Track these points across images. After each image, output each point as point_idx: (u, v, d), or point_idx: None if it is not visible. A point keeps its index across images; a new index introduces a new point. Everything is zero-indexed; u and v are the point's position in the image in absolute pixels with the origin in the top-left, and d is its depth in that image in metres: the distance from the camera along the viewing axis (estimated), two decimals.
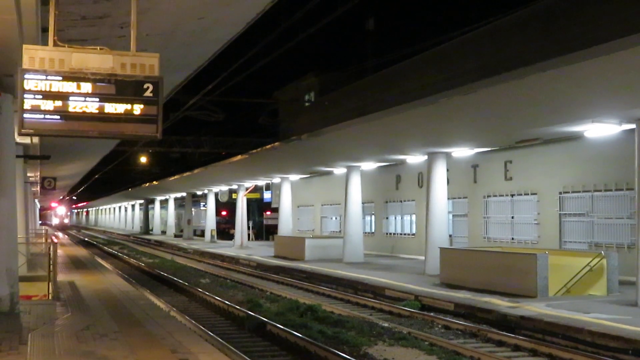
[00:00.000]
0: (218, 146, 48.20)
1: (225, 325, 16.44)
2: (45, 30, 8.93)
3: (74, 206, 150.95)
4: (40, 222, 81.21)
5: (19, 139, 17.76)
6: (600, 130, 18.70)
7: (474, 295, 17.53)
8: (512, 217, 26.22)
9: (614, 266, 17.52)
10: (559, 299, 16.63)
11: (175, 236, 67.87)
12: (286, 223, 39.22)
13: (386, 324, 15.52)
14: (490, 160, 26.82)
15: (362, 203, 31.34)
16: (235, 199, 49.12)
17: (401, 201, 34.07)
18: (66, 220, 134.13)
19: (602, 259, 17.51)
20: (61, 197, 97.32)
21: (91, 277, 21.72)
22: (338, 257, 30.35)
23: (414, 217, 32.95)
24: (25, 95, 7.86)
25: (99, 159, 36.85)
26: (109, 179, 76.27)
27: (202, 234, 59.54)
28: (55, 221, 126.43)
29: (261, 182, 48.87)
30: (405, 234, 34.02)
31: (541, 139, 21.41)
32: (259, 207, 65.75)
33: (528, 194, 25.39)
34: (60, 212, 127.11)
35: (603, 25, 18.34)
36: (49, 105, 7.91)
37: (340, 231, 38.32)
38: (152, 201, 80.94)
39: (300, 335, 13.40)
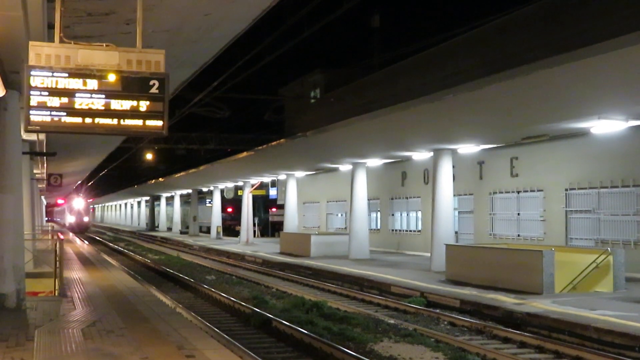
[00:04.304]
0: (224, 143, 48.21)
1: (231, 321, 16.46)
2: (51, 26, 8.94)
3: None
4: (47, 219, 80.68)
5: (25, 136, 17.83)
6: (606, 126, 18.67)
7: (480, 292, 17.52)
8: (518, 214, 26.18)
9: (621, 263, 17.49)
10: (565, 296, 16.61)
11: (181, 233, 67.99)
12: (292, 220, 39.27)
13: (392, 321, 15.52)
14: (496, 156, 26.78)
15: (368, 200, 31.36)
16: (241, 196, 49.19)
17: (407, 198, 34.06)
18: (86, 219, 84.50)
19: (608, 255, 17.47)
20: (75, 187, 75.14)
21: (97, 274, 21.76)
22: (344, 254, 30.36)
23: (419, 213, 32.93)
24: (32, 92, 7.87)
25: (105, 155, 36.91)
26: (115, 175, 76.31)
27: (208, 231, 59.63)
28: (69, 219, 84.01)
29: (267, 179, 48.91)
30: (411, 231, 34.00)
31: (547, 135, 21.38)
32: (264, 204, 65.85)
33: (534, 191, 25.35)
34: (77, 205, 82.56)
35: (610, 21, 18.26)
36: (55, 101, 7.92)
37: (345, 228, 38.35)
38: (158, 198, 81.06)
39: (306, 332, 13.41)
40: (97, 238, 63.88)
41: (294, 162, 35.64)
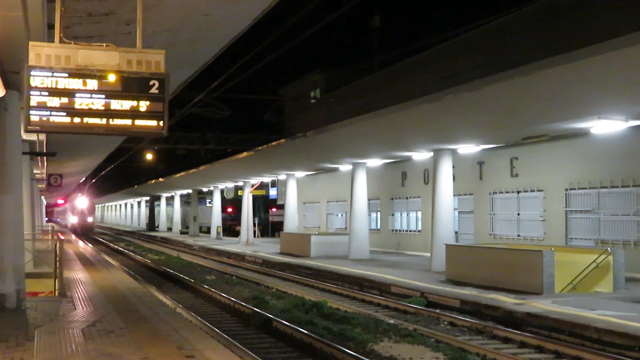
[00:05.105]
0: (224, 143, 48.19)
1: (231, 321, 16.46)
2: (51, 27, 8.94)
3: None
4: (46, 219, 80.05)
5: (25, 136, 17.83)
6: (606, 126, 18.68)
7: (480, 292, 17.52)
8: (518, 214, 26.18)
9: (620, 263, 17.50)
10: (565, 296, 16.61)
11: (181, 233, 67.99)
12: (292, 220, 39.27)
13: (392, 321, 15.52)
14: (496, 156, 26.78)
15: (368, 200, 31.35)
16: (241, 196, 49.20)
17: (407, 198, 34.06)
18: (90, 219, 76.41)
19: (608, 255, 17.47)
20: (78, 185, 70.72)
21: (97, 274, 21.77)
22: (344, 254, 30.36)
23: (419, 213, 32.93)
24: (32, 92, 7.87)
25: (105, 155, 36.92)
26: (115, 175, 76.19)
27: (208, 231, 59.63)
28: (72, 220, 77.29)
29: (267, 179, 48.90)
30: (411, 231, 34.00)
31: (547, 135, 21.38)
32: (264, 204, 65.85)
33: (534, 191, 25.35)
34: (80, 205, 75.17)
35: (609, 21, 18.27)
36: (55, 102, 7.92)
37: (346, 228, 38.34)
38: (158, 198, 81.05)
39: (306, 332, 13.41)
40: (97, 238, 63.85)
41: (294, 162, 35.63)
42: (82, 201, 75.49)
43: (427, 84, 25.94)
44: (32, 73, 7.87)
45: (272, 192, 56.83)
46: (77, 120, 8.02)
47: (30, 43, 8.08)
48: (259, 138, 44.28)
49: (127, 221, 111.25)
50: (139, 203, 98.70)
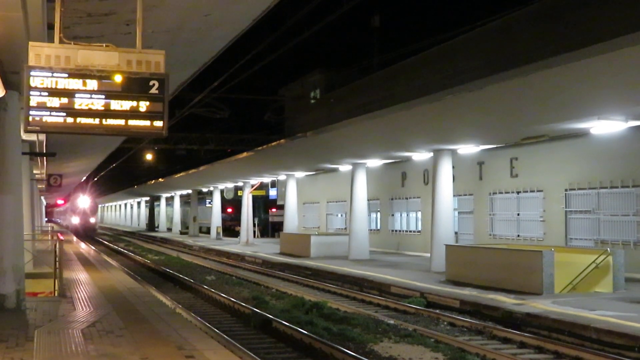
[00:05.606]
0: (223, 143, 48.25)
1: (231, 322, 16.46)
2: (51, 27, 8.94)
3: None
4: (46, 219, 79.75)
5: (24, 136, 17.82)
6: (606, 127, 18.68)
7: (480, 293, 17.52)
8: (518, 214, 26.18)
9: (620, 263, 17.50)
10: (565, 296, 16.61)
11: (181, 233, 67.96)
12: (292, 220, 39.26)
13: (392, 321, 15.52)
14: (496, 157, 26.78)
15: (368, 200, 31.34)
16: (240, 196, 49.21)
17: (407, 198, 34.06)
18: (92, 220, 75.17)
19: (608, 256, 17.48)
20: (80, 184, 67.53)
21: (97, 274, 21.76)
22: (343, 254, 30.36)
23: (419, 214, 32.93)
24: (31, 93, 7.87)
25: (105, 156, 36.93)
26: (115, 176, 76.16)
27: (208, 231, 59.62)
28: (74, 221, 75.89)
29: (267, 179, 48.90)
30: (410, 231, 34.00)
31: (547, 136, 21.38)
32: (264, 204, 65.88)
33: (534, 191, 25.35)
34: (82, 204, 73.08)
35: (610, 21, 18.27)
36: (54, 102, 7.92)
37: (345, 228, 38.34)
38: (158, 198, 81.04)
39: (305, 332, 13.41)
40: (97, 238, 63.84)
41: (294, 162, 35.63)
42: (84, 201, 74.33)
43: (427, 84, 25.95)
44: (32, 73, 7.87)
45: (272, 193, 56.87)
46: (76, 120, 8.01)
47: (30, 43, 8.07)
48: (259, 138, 44.35)
49: (126, 221, 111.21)
50: (138, 203, 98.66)
